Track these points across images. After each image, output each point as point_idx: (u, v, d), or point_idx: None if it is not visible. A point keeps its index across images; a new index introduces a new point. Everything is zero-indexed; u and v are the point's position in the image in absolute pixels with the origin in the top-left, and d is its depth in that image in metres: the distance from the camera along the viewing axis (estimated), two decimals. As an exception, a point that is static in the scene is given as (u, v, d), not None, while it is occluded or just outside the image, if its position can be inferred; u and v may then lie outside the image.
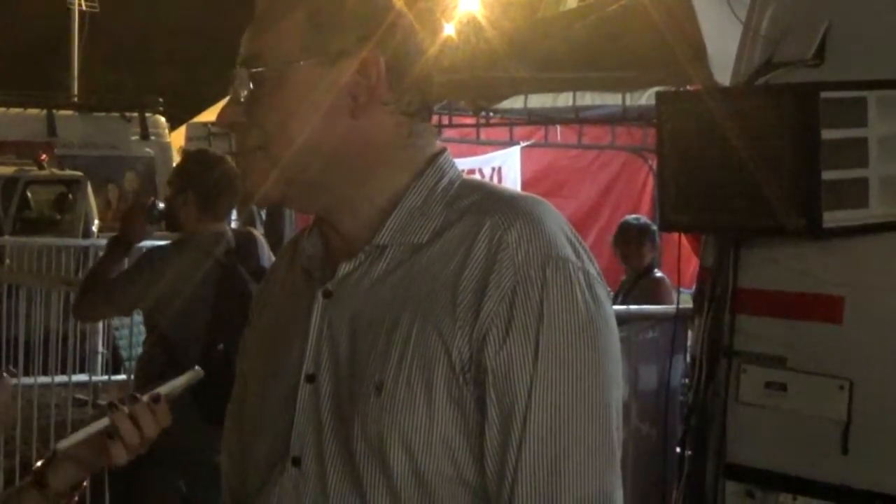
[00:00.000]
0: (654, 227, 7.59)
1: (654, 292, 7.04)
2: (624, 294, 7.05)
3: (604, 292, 1.69)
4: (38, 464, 1.92)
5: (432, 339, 1.64)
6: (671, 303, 6.44)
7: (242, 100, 1.73)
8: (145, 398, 1.81)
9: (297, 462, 1.74)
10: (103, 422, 1.80)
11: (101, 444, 1.82)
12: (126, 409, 1.80)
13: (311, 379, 1.74)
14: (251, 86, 1.72)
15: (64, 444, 1.83)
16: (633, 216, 7.98)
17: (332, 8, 1.72)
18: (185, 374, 1.85)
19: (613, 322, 1.70)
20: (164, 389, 1.83)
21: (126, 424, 1.80)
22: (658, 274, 7.49)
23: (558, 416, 1.61)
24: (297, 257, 1.86)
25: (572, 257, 1.66)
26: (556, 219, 1.69)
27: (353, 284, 1.73)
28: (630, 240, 7.44)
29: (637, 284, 7.28)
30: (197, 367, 1.87)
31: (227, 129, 1.80)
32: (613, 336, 1.69)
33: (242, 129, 1.75)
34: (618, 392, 1.68)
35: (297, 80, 1.71)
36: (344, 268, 1.74)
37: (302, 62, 1.71)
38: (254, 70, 1.71)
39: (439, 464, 1.64)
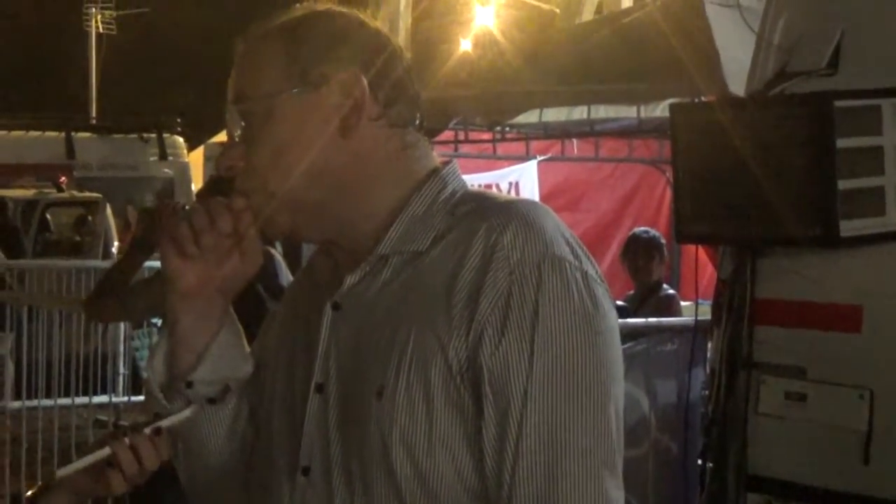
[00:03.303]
0: (663, 241, 7.55)
1: (666, 309, 6.99)
2: (634, 310, 7.00)
3: (603, 292, 1.68)
4: (29, 493, 1.92)
5: (429, 342, 1.65)
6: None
7: (237, 139, 1.77)
8: (147, 430, 1.82)
9: (306, 471, 1.76)
10: (104, 451, 1.81)
11: (100, 472, 1.83)
12: (127, 440, 1.80)
13: (319, 389, 1.76)
14: (242, 124, 1.75)
15: (63, 471, 1.83)
16: (643, 229, 7.92)
17: (307, 36, 1.75)
18: (186, 409, 1.85)
19: (614, 322, 1.69)
20: (166, 422, 1.83)
21: (126, 455, 1.79)
22: (669, 291, 7.44)
23: (555, 415, 1.60)
24: (314, 273, 1.89)
25: (569, 257, 1.65)
26: (553, 221, 1.69)
27: (358, 295, 1.75)
28: (639, 253, 7.37)
29: (647, 301, 7.23)
30: (197, 405, 1.87)
31: (226, 175, 1.80)
32: (613, 335, 1.68)
33: (242, 172, 1.77)
34: (618, 391, 1.67)
35: (284, 111, 1.73)
36: (349, 279, 1.76)
37: (285, 93, 1.73)
38: (241, 107, 1.75)
39: (441, 467, 1.65)
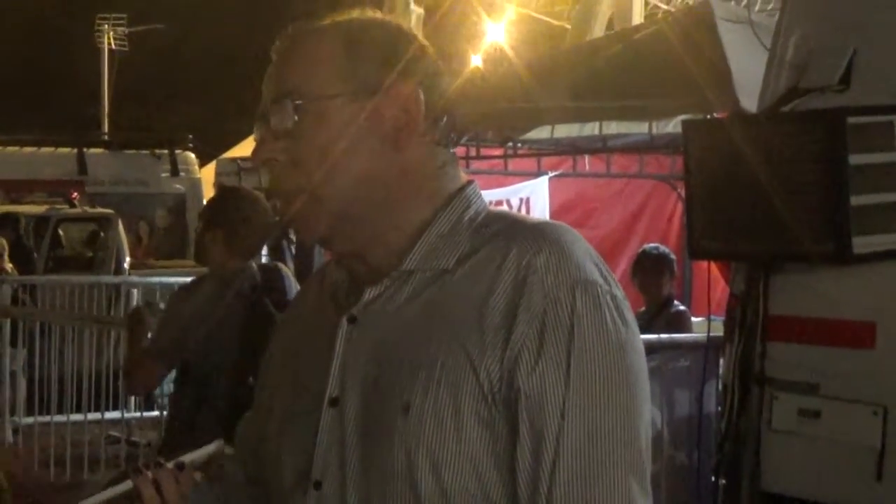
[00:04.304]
0: (673, 257, 7.56)
1: (677, 326, 7.00)
2: (645, 325, 6.99)
3: (631, 315, 1.70)
4: None
5: (460, 361, 1.65)
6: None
7: (279, 136, 1.73)
8: (170, 465, 1.81)
9: (318, 485, 1.75)
10: (126, 485, 1.80)
11: None
12: (150, 474, 1.80)
13: (334, 402, 1.75)
14: (295, 118, 1.71)
15: (85, 503, 1.82)
16: (653, 245, 7.93)
17: (368, 42, 1.74)
18: (211, 445, 1.85)
19: (641, 344, 1.71)
20: (188, 458, 1.83)
21: (149, 490, 1.79)
22: (680, 307, 7.46)
23: (591, 436, 1.62)
24: (325, 283, 1.88)
25: (600, 281, 1.67)
26: (582, 244, 1.71)
27: (378, 310, 1.75)
28: (648, 270, 7.39)
29: (658, 317, 7.23)
30: (221, 441, 1.87)
31: (262, 166, 1.77)
32: (641, 357, 1.70)
33: (280, 167, 1.75)
34: (647, 412, 1.69)
35: (337, 114, 1.72)
36: (369, 293, 1.75)
37: (341, 96, 1.72)
38: (297, 102, 1.71)
39: (466, 484, 1.65)
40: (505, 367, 1.63)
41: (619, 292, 1.70)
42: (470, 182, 1.82)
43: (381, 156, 1.73)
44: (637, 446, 1.65)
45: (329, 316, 1.81)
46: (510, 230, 1.71)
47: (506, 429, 1.64)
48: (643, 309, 7.42)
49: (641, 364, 1.69)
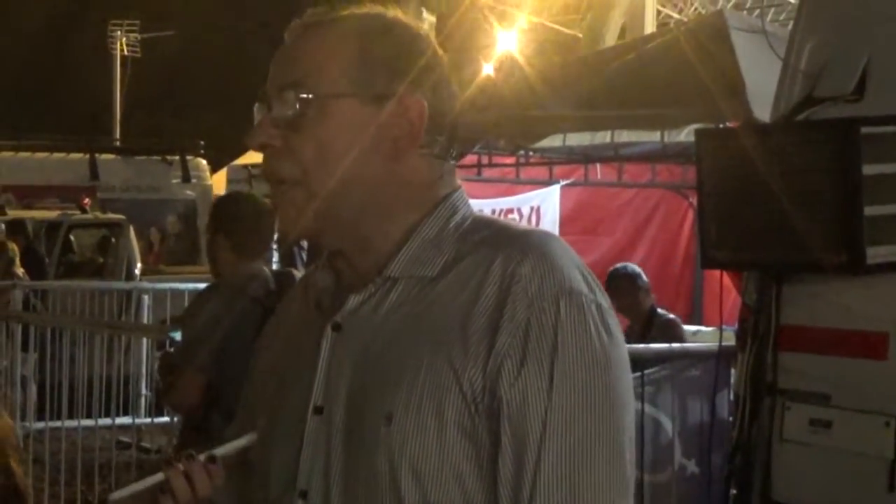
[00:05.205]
0: (639, 270, 7.68)
1: (671, 333, 7.08)
2: (637, 340, 7.01)
3: (615, 324, 1.69)
4: None
5: (443, 370, 1.64)
6: (685, 342, 6.44)
7: (279, 124, 1.71)
8: (202, 457, 1.81)
9: (303, 495, 1.74)
10: (157, 477, 1.81)
11: (152, 499, 1.82)
12: (181, 466, 1.81)
13: (318, 411, 1.73)
14: (297, 107, 1.70)
15: (116, 495, 1.83)
16: (620, 265, 7.96)
17: (383, 47, 1.72)
18: (242, 438, 1.85)
19: (625, 353, 1.70)
20: (220, 451, 1.83)
21: (180, 482, 1.78)
22: (669, 315, 7.54)
23: (573, 446, 1.61)
24: (310, 290, 1.86)
25: (585, 290, 1.66)
26: (568, 253, 1.70)
27: (362, 317, 1.73)
28: (624, 292, 7.41)
29: (650, 329, 7.29)
30: (253, 434, 1.87)
31: (257, 150, 1.76)
32: (625, 366, 1.69)
33: (276, 154, 1.73)
34: (630, 421, 1.68)
35: (341, 115, 1.70)
36: (353, 300, 1.74)
37: (350, 97, 1.70)
38: (302, 96, 1.69)
39: (450, 493, 1.64)
40: (488, 377, 1.62)
41: (605, 302, 1.69)
42: (456, 188, 1.79)
43: (378, 163, 1.71)
44: (620, 455, 1.64)
45: (314, 324, 1.79)
46: (496, 238, 1.70)
47: (488, 439, 1.63)
48: (630, 325, 7.44)
49: (625, 374, 1.68)
